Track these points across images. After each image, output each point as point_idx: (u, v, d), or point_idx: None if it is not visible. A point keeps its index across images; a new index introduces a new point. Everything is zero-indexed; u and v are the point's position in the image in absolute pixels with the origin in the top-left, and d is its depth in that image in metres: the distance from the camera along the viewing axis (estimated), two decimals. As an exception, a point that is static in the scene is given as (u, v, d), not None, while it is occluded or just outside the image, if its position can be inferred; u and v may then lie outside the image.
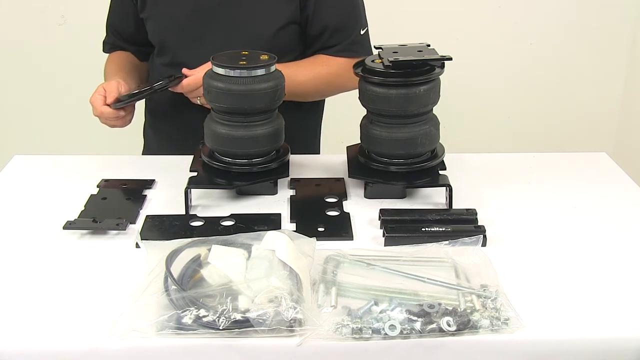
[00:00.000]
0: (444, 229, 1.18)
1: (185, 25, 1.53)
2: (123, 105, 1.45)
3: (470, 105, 2.80)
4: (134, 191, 1.37)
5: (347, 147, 1.45)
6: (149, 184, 1.40)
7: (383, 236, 1.19)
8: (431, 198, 1.35)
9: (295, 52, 1.57)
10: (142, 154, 1.76)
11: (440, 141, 1.37)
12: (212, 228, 1.23)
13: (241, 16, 1.51)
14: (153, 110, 1.68)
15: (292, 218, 1.27)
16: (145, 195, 1.36)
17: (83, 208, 1.30)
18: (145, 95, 1.47)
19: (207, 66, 1.31)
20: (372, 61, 1.31)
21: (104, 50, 1.71)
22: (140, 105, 1.61)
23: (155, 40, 1.59)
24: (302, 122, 1.65)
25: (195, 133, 1.42)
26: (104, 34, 1.71)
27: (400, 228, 1.20)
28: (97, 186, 1.39)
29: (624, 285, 1.07)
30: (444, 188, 1.31)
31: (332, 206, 1.31)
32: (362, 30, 1.57)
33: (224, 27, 1.52)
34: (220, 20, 1.52)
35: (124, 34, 1.66)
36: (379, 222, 1.24)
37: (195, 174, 1.34)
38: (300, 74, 1.52)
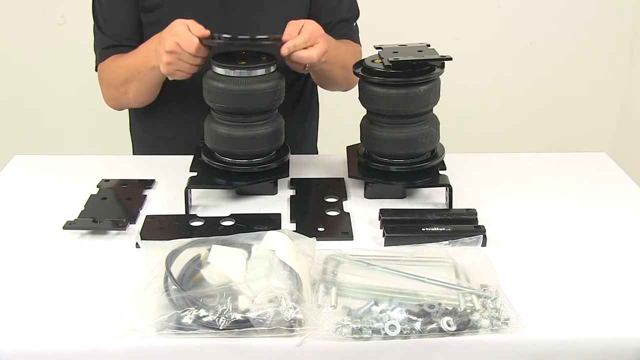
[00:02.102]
0: (444, 229, 1.18)
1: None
2: (218, 44, 1.26)
3: (471, 105, 2.80)
4: (134, 191, 1.37)
5: (347, 147, 1.45)
6: (149, 184, 1.40)
7: (383, 236, 1.19)
8: (431, 198, 1.35)
9: None
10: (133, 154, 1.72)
11: (440, 141, 1.37)
12: (212, 228, 1.23)
13: (262, 16, 1.49)
14: (146, 110, 1.60)
15: (292, 218, 1.27)
16: (145, 195, 1.36)
17: (83, 208, 1.30)
18: (244, 44, 1.28)
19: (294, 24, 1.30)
20: (372, 61, 1.31)
21: (104, 57, 1.53)
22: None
23: None
24: (302, 126, 1.66)
25: (189, 133, 1.42)
26: (94, 50, 1.55)
27: (400, 228, 1.20)
28: (97, 186, 1.39)
29: (624, 285, 1.07)
30: (444, 188, 1.31)
31: (332, 206, 1.31)
32: (356, 21, 1.63)
33: (245, 28, 1.47)
34: (242, 22, 1.49)
35: (130, 36, 1.52)
36: (379, 222, 1.24)
37: (195, 174, 1.34)
38: (340, 48, 1.53)
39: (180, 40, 1.26)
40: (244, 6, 1.49)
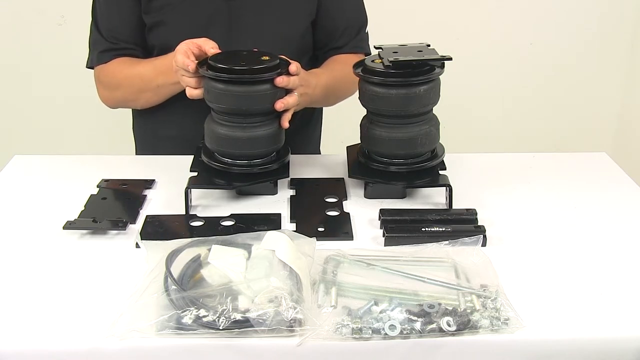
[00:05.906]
0: (444, 229, 1.18)
1: (209, 30, 1.45)
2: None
3: (471, 105, 2.80)
4: (134, 191, 1.37)
5: (347, 147, 1.45)
6: (149, 184, 1.40)
7: (383, 236, 1.19)
8: (431, 198, 1.35)
9: (311, 51, 1.59)
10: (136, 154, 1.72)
11: (440, 141, 1.37)
12: (212, 228, 1.23)
13: (268, 18, 1.49)
14: (145, 111, 1.60)
15: (292, 218, 1.27)
16: (145, 195, 1.36)
17: (83, 208, 1.30)
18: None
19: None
20: (372, 61, 1.31)
21: (103, 61, 1.53)
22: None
23: (167, 45, 1.43)
24: (305, 131, 1.66)
25: (190, 133, 1.42)
26: (90, 49, 1.56)
27: (400, 228, 1.20)
28: (97, 186, 1.39)
29: (624, 285, 1.07)
30: (444, 188, 1.31)
31: (332, 206, 1.31)
32: (366, 28, 1.61)
33: (250, 30, 1.49)
34: (247, 23, 1.48)
35: (129, 38, 1.52)
36: (379, 222, 1.24)
37: (195, 174, 1.34)
38: (335, 77, 1.51)
39: (182, 63, 1.29)
40: (248, 7, 1.49)
